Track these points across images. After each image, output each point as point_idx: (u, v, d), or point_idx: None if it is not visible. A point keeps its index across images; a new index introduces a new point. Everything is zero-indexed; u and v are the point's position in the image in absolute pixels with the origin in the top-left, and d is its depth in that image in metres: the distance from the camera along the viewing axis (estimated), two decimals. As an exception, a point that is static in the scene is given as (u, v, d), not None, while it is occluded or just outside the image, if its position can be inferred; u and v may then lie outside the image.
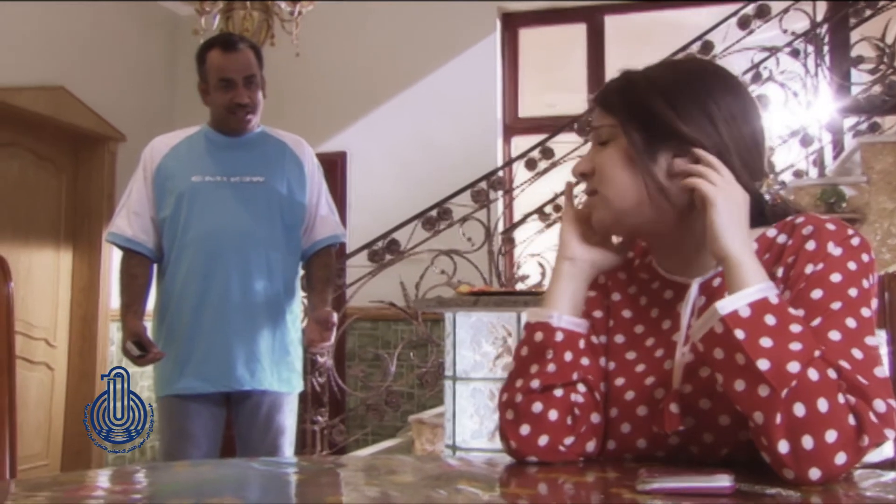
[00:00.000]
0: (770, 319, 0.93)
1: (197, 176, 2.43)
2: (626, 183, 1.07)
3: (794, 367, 0.90)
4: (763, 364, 0.91)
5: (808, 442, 0.89)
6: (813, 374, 0.90)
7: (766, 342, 0.92)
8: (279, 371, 2.45)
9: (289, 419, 2.51)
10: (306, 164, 2.56)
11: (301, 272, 2.63)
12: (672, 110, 1.05)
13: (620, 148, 1.08)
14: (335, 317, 2.47)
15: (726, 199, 1.00)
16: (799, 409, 0.89)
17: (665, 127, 1.05)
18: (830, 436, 0.88)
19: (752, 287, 0.95)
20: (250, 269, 2.41)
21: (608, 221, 1.10)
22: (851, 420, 0.89)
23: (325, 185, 2.63)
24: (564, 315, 1.11)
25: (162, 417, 2.45)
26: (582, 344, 1.12)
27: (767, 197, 1.09)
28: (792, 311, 0.96)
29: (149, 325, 2.47)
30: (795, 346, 0.92)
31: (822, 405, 0.89)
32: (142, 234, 2.45)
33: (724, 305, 0.95)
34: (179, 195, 2.42)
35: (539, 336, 1.11)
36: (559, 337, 1.10)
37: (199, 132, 2.53)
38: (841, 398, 0.90)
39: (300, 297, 2.63)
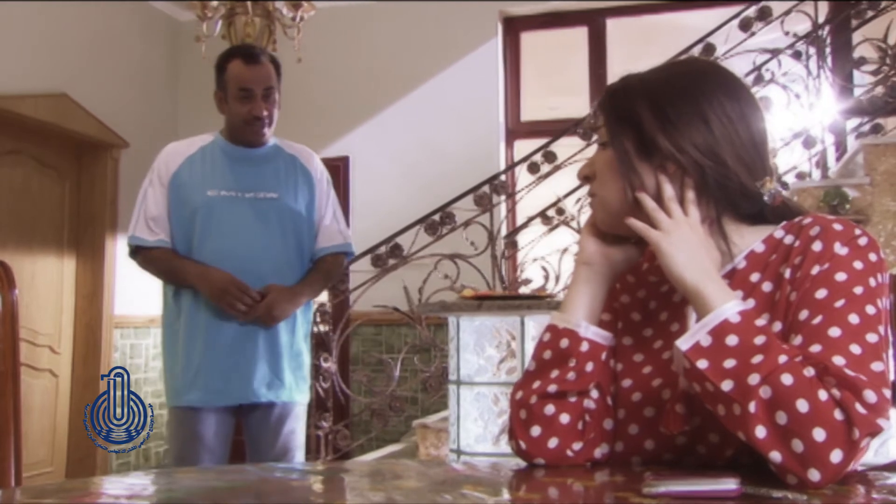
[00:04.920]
0: (732, 340, 0.95)
1: (212, 190, 2.43)
2: (618, 187, 1.08)
3: (754, 379, 0.91)
4: (727, 385, 0.93)
5: (798, 445, 0.88)
6: (787, 379, 0.90)
7: (729, 363, 0.94)
8: (291, 382, 2.47)
9: (299, 426, 2.53)
10: (316, 176, 2.57)
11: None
12: (657, 116, 1.06)
13: (612, 152, 1.09)
14: (278, 313, 2.41)
15: (671, 240, 1.02)
16: (781, 417, 0.89)
17: (647, 135, 1.06)
18: (819, 434, 0.88)
19: (712, 313, 0.97)
20: (265, 284, 2.42)
21: (607, 223, 1.12)
22: (838, 415, 0.89)
23: (334, 195, 2.64)
24: (592, 326, 1.12)
25: (173, 423, 2.47)
26: (604, 356, 1.12)
27: (767, 198, 1.09)
28: (758, 322, 0.96)
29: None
30: (757, 359, 0.92)
31: (803, 406, 0.89)
32: (166, 238, 2.45)
33: (684, 341, 0.97)
34: (194, 209, 2.42)
35: (565, 342, 1.11)
36: (584, 347, 1.11)
37: (214, 143, 2.52)
38: (823, 395, 0.89)
39: (312, 309, 2.64)
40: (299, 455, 2.53)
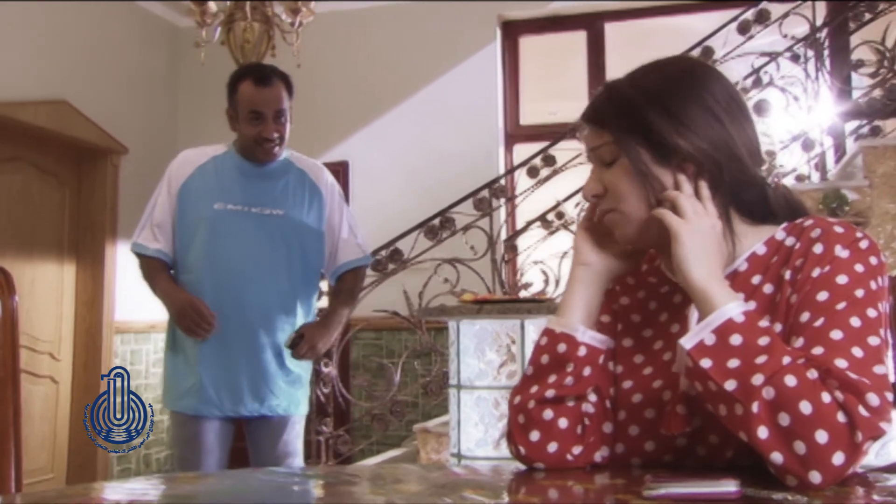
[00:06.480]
0: (736, 339, 0.94)
1: (219, 203, 2.45)
2: (642, 197, 1.07)
3: (757, 379, 0.91)
4: (730, 385, 0.93)
5: (800, 447, 0.88)
6: (790, 381, 0.90)
7: (733, 363, 0.93)
8: (287, 396, 2.49)
9: (297, 435, 2.55)
10: (325, 192, 2.58)
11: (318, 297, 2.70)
12: (668, 119, 1.05)
13: (627, 164, 1.07)
14: (320, 343, 2.50)
15: (690, 231, 1.02)
16: (784, 419, 0.89)
17: (663, 139, 1.05)
18: (821, 436, 0.88)
19: (716, 312, 0.97)
20: (267, 299, 2.44)
21: (632, 236, 1.10)
22: (841, 417, 0.89)
23: (347, 207, 2.66)
24: (589, 330, 1.11)
25: (174, 426, 2.50)
26: (601, 360, 1.12)
27: (770, 182, 1.10)
28: (762, 323, 0.96)
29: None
30: (761, 359, 0.92)
31: (806, 408, 0.89)
32: (165, 249, 2.49)
33: (688, 339, 0.97)
34: (200, 221, 2.44)
35: (562, 347, 1.11)
36: (582, 352, 1.10)
37: (226, 154, 2.54)
38: (826, 397, 0.89)
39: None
40: (298, 461, 2.56)
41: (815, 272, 1.01)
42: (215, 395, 2.41)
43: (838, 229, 1.03)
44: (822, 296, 0.99)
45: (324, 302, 3.18)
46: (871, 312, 0.98)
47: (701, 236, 1.02)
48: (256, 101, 2.43)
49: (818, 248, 1.02)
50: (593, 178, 1.12)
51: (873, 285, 1.00)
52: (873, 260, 1.02)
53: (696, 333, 0.97)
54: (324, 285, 3.66)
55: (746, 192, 1.08)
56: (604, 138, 1.09)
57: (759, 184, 1.09)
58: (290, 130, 2.52)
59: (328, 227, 2.57)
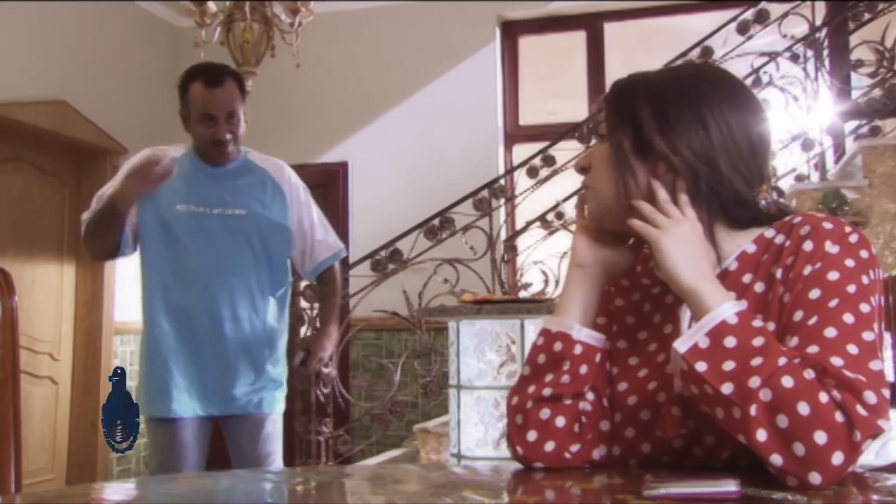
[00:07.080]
0: (730, 342, 0.94)
1: (181, 205, 2.45)
2: (611, 182, 1.09)
3: (754, 382, 0.91)
4: (727, 388, 0.92)
5: (799, 449, 0.88)
6: (787, 382, 0.90)
7: (728, 365, 0.93)
8: (264, 394, 2.50)
9: (274, 434, 2.55)
10: (287, 190, 2.57)
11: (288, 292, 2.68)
12: (656, 115, 1.06)
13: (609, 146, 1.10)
14: (325, 353, 2.59)
15: (669, 238, 1.02)
16: (782, 421, 0.89)
17: (645, 133, 1.06)
18: (820, 437, 0.88)
19: (709, 314, 0.96)
20: (235, 298, 2.45)
21: (597, 216, 1.13)
22: (839, 417, 0.89)
23: (314, 204, 2.65)
24: (585, 328, 1.12)
25: (150, 433, 2.48)
26: (598, 358, 1.12)
27: (763, 203, 1.09)
28: (756, 323, 0.96)
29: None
30: (756, 361, 0.92)
31: (804, 409, 0.89)
32: None
33: (682, 343, 0.96)
34: (164, 223, 2.44)
35: (558, 346, 1.11)
36: (578, 350, 1.11)
37: (185, 156, 2.52)
38: (824, 397, 0.89)
39: (286, 322, 2.65)
40: (277, 461, 2.56)
41: (807, 270, 1.00)
42: (186, 395, 2.41)
43: (827, 225, 1.03)
44: (815, 293, 0.99)
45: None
46: (864, 307, 0.97)
47: (681, 240, 1.02)
48: (208, 103, 2.40)
49: (808, 246, 1.02)
50: (588, 152, 1.15)
51: (865, 279, 0.99)
52: (864, 253, 1.01)
53: (690, 336, 0.96)
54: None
55: (731, 206, 1.07)
56: (605, 115, 1.12)
57: (747, 202, 1.07)
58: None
59: (297, 226, 2.57)
